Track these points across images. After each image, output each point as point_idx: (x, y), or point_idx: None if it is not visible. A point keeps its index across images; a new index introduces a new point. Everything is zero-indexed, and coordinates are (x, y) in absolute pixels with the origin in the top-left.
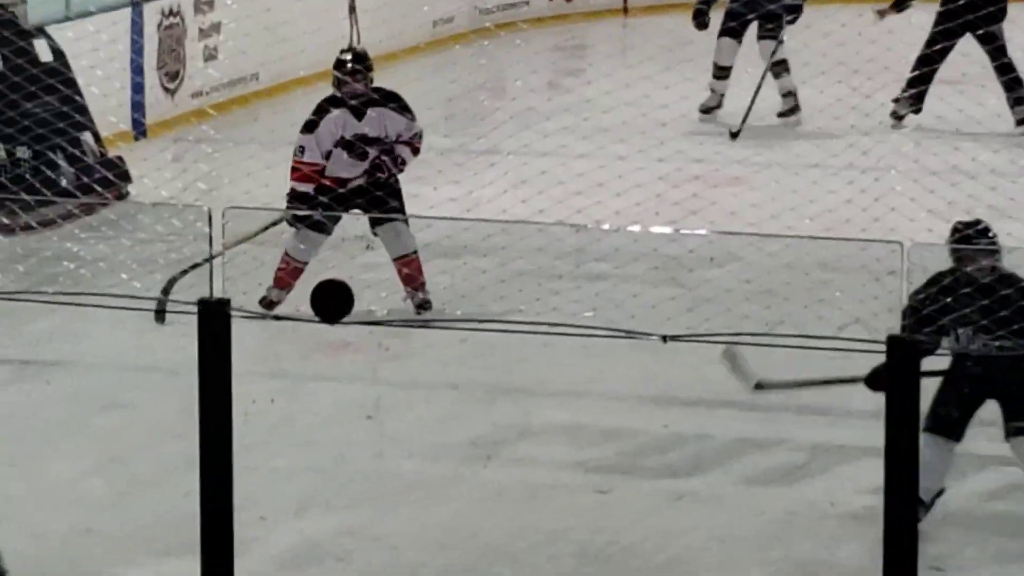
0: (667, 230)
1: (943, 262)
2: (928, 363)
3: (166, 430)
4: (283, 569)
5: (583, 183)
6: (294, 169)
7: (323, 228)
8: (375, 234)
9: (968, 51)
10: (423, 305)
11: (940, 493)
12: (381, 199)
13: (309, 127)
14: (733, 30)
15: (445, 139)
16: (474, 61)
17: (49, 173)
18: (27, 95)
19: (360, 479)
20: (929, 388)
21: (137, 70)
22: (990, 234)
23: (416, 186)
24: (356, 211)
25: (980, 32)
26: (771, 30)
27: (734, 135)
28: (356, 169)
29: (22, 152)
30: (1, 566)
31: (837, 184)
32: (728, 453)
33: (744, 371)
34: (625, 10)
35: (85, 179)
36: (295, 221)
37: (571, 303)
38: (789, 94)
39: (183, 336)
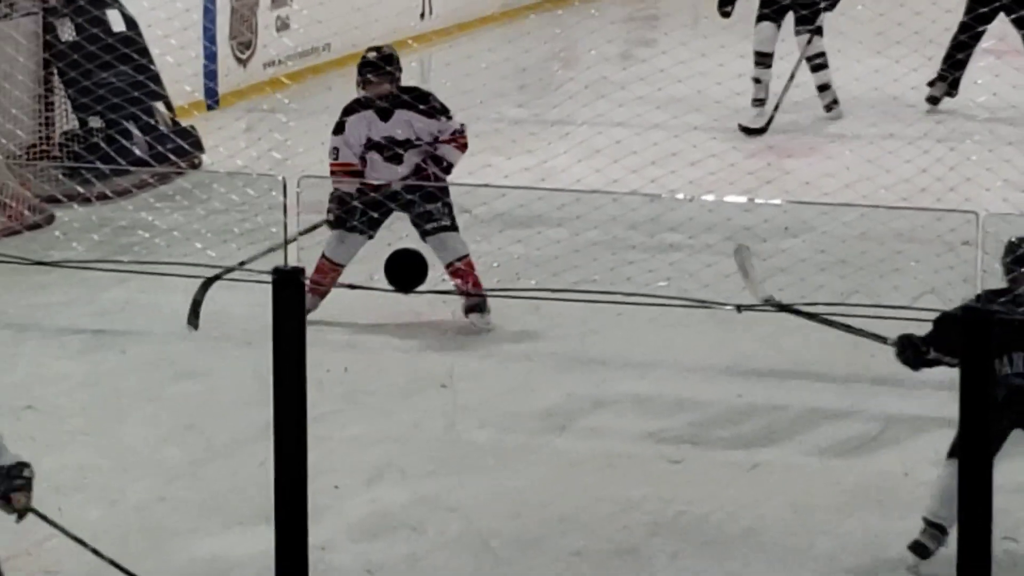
0: (741, 200)
1: (1019, 232)
2: None
3: (240, 399)
4: (356, 538)
5: (657, 153)
6: (332, 173)
7: (364, 231)
8: (424, 241)
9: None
10: (477, 308)
11: None
12: (424, 206)
13: (338, 129)
14: (769, 15)
15: (519, 109)
16: (548, 31)
17: (124, 142)
18: (100, 64)
19: (433, 449)
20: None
21: (210, 39)
22: None
23: (490, 156)
24: (402, 213)
25: (1014, 15)
26: (806, 18)
27: (761, 130)
28: (395, 174)
29: (94, 122)
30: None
31: (912, 154)
32: (801, 423)
33: (753, 277)
34: None
35: (158, 148)
36: (336, 223)
37: (645, 273)
38: (826, 87)
39: (257, 305)
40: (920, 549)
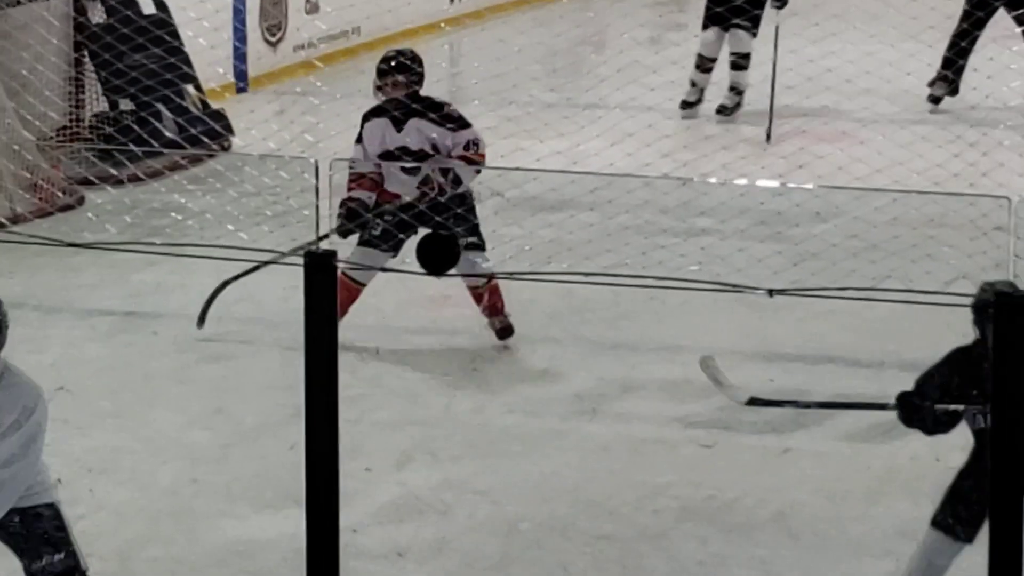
0: (773, 184)
1: None
2: None
3: (270, 382)
4: (385, 521)
5: (689, 137)
6: (350, 180)
7: (381, 245)
8: None
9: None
10: (504, 332)
11: None
12: (448, 224)
13: (357, 139)
14: (715, 20)
15: (550, 93)
16: (579, 15)
17: (156, 123)
18: (131, 47)
19: (462, 432)
20: None
21: (241, 21)
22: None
23: (521, 139)
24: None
25: (1015, 13)
26: (752, 18)
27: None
28: (409, 186)
29: (125, 104)
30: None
31: (944, 139)
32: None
33: (725, 384)
34: None
35: (189, 130)
36: (343, 231)
37: (676, 257)
38: (737, 90)
39: (288, 288)
40: None
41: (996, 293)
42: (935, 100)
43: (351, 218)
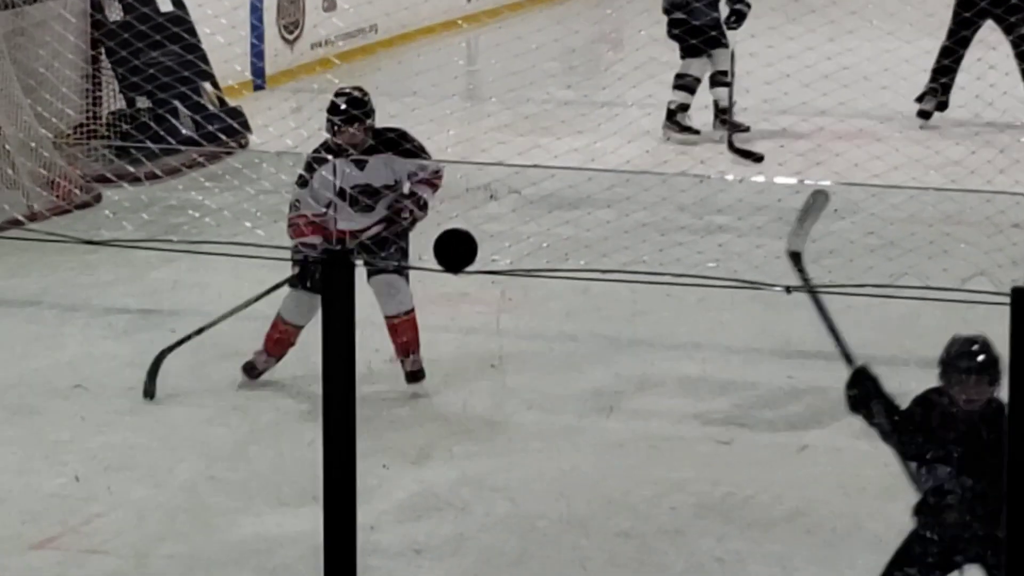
0: (791, 181)
1: None
2: None
3: (287, 379)
4: (403, 518)
5: (707, 134)
6: (291, 227)
7: (313, 289)
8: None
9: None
10: (415, 376)
11: None
12: (383, 242)
13: (300, 182)
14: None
15: (568, 90)
16: (597, 12)
17: (173, 121)
18: (148, 44)
19: (480, 430)
20: None
21: (258, 19)
22: (992, 357)
23: (539, 137)
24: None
25: (1004, 23)
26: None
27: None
28: (367, 219)
29: (142, 102)
30: None
31: (961, 135)
32: None
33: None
34: None
35: (206, 127)
36: (299, 281)
37: (694, 254)
38: (721, 108)
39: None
40: None
41: (1015, 290)
42: (925, 115)
43: (304, 262)
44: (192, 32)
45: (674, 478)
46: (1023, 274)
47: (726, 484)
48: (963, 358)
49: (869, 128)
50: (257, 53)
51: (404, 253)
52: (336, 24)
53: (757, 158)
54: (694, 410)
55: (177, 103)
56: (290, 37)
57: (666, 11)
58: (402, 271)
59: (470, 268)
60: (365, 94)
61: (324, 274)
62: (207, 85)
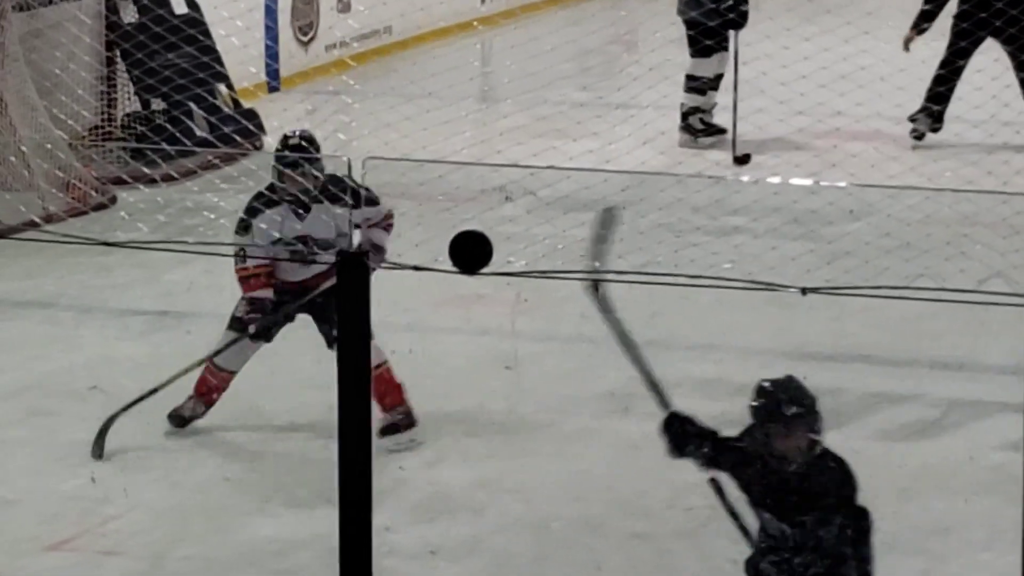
0: (806, 182)
1: None
2: None
3: (303, 381)
4: (418, 520)
5: (722, 135)
6: (241, 280)
7: (266, 337)
8: (331, 347)
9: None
10: (391, 429)
11: None
12: (333, 309)
13: (240, 229)
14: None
15: (583, 92)
16: (611, 13)
17: (189, 123)
18: (163, 46)
19: (494, 431)
20: None
21: (272, 20)
22: (805, 401)
23: (553, 138)
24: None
25: (1004, 36)
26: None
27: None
28: (308, 272)
29: (157, 104)
30: None
31: (978, 136)
32: (864, 406)
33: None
34: None
35: (224, 129)
36: (259, 334)
37: (709, 255)
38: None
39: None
40: None
41: None
42: (918, 136)
43: (261, 312)
44: (207, 34)
45: (689, 480)
46: None
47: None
48: (773, 408)
49: (885, 128)
50: (271, 55)
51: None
52: (351, 26)
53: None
54: (710, 411)
55: (192, 105)
56: (304, 39)
57: (680, 12)
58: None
59: (485, 269)
60: (313, 140)
61: (342, 289)
62: (222, 87)
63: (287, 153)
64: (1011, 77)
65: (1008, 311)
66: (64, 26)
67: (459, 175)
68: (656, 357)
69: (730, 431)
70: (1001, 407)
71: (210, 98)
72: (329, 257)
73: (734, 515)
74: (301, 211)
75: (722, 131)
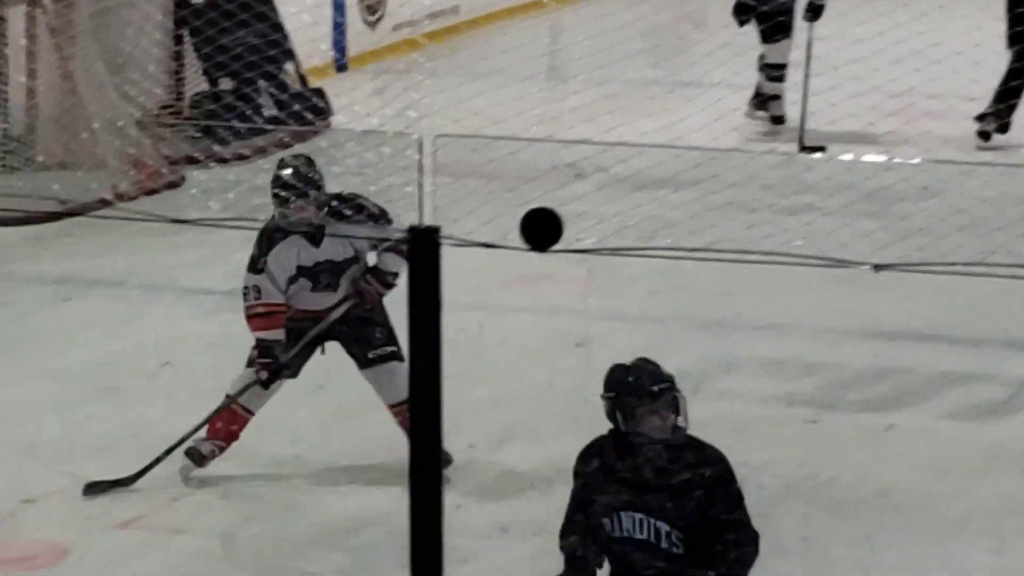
0: (879, 159)
1: None
2: None
3: None
4: (487, 499)
5: (793, 113)
6: (251, 318)
7: (292, 373)
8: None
9: None
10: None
11: None
12: (361, 329)
13: (253, 265)
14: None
15: (653, 69)
16: None
17: (257, 101)
18: (232, 24)
19: (564, 410)
20: None
21: (339, 2)
22: (666, 377)
23: (624, 115)
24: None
25: None
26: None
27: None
28: (328, 300)
29: (225, 83)
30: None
31: None
32: (935, 385)
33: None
34: None
35: (292, 108)
36: (269, 381)
37: (780, 232)
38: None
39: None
40: None
41: None
42: (984, 136)
43: (271, 357)
44: (275, 12)
45: (758, 459)
46: None
47: (810, 465)
48: (637, 387)
49: (958, 105)
50: (340, 34)
51: (392, 332)
52: (419, 4)
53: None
54: (779, 391)
55: (260, 83)
56: (372, 18)
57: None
58: (402, 356)
59: (556, 247)
60: (311, 166)
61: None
62: (290, 66)
63: (280, 191)
64: None
65: None
66: (134, 3)
67: (529, 152)
68: (725, 337)
69: (795, 411)
70: None
71: (278, 77)
72: (347, 281)
73: None
74: (315, 238)
75: (779, 121)
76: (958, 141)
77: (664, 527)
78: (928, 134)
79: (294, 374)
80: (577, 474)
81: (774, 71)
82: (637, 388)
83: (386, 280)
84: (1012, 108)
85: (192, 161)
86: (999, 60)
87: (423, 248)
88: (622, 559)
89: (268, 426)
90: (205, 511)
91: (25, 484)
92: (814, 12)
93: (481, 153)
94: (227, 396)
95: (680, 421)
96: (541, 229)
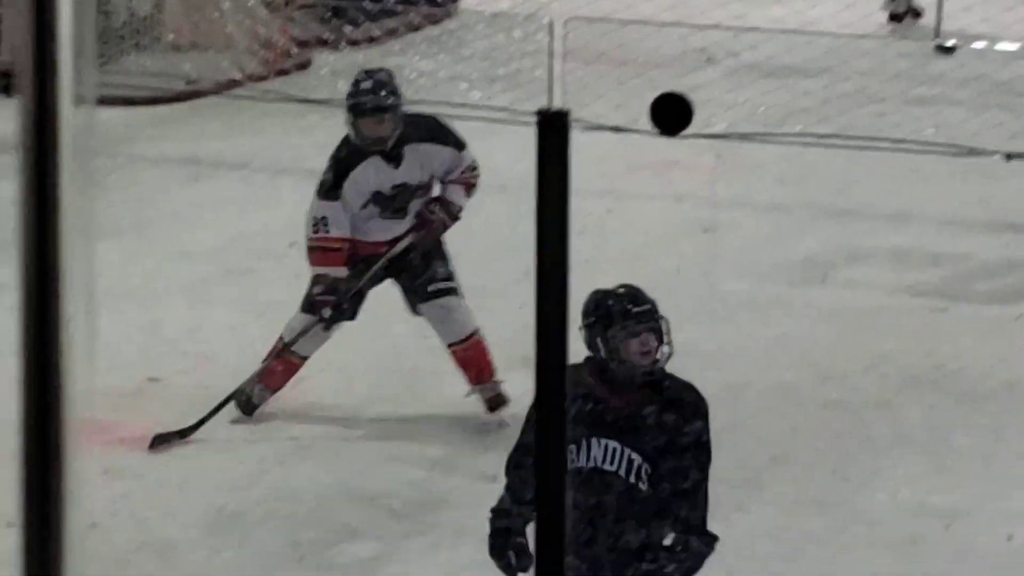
0: (1012, 47)
1: None
2: None
3: (497, 245)
4: None
5: (925, 2)
6: (314, 251)
7: (349, 315)
8: (417, 312)
9: None
10: (495, 402)
11: None
12: (422, 263)
13: (328, 191)
14: None
15: None
16: None
17: None
18: None
19: (690, 296)
20: None
21: None
22: (648, 300)
23: (754, 2)
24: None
25: None
26: None
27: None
28: (395, 230)
29: None
30: None
31: None
32: None
33: None
34: None
35: None
36: (332, 320)
37: (910, 121)
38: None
39: (515, 149)
40: None
41: None
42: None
43: (334, 291)
44: None
45: (883, 349)
46: None
47: (936, 355)
48: (618, 308)
49: None
50: None
51: (451, 271)
52: None
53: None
54: (905, 281)
55: None
56: None
57: None
58: (460, 293)
59: (685, 132)
60: (392, 78)
61: (542, 150)
62: None
63: (360, 100)
64: None
65: None
66: None
67: (659, 37)
68: (851, 225)
69: (923, 301)
70: None
71: None
72: (414, 208)
73: None
74: (394, 158)
75: (916, 15)
76: None
77: (637, 459)
78: None
79: (352, 315)
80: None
81: None
82: (619, 312)
83: (451, 211)
84: None
85: (321, 42)
86: None
87: (552, 133)
88: (584, 495)
89: (396, 306)
90: (329, 393)
91: (151, 363)
92: None
93: (611, 37)
94: (281, 340)
95: (664, 350)
96: (671, 114)
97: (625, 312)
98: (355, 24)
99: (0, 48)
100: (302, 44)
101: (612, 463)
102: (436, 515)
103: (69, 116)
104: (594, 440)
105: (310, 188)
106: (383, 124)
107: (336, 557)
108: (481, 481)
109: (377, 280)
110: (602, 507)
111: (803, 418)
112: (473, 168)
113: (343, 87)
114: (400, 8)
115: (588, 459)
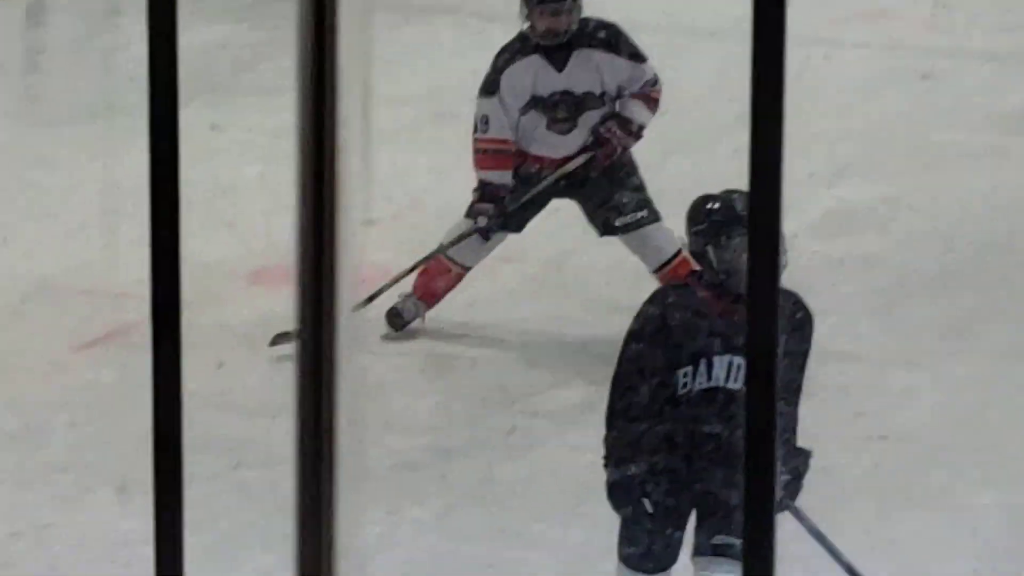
0: None
1: None
2: None
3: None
4: (820, 234)
5: None
6: (478, 152)
7: (516, 226)
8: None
9: None
10: None
11: None
12: (604, 190)
13: (488, 87)
14: None
15: None
16: None
17: None
18: None
19: (901, 147)
20: None
21: None
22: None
23: None
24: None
25: None
26: None
27: None
28: (567, 145)
29: None
30: None
31: None
32: None
33: None
34: None
35: None
36: (488, 229)
37: None
38: None
39: None
40: None
41: None
42: None
43: (497, 198)
44: None
45: None
46: None
47: None
48: (733, 215)
49: None
50: None
51: (641, 196)
52: None
53: None
54: None
55: None
56: None
57: None
58: (657, 217)
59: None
60: None
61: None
62: None
63: None
64: None
65: None
66: None
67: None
68: None
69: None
70: None
71: None
72: (585, 126)
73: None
74: (558, 60)
75: None
76: None
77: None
78: None
79: (519, 227)
80: (637, 335)
81: None
82: (734, 219)
83: (630, 129)
84: None
85: None
86: None
87: None
88: (698, 423)
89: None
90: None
91: (363, 206)
92: None
93: None
94: (440, 244)
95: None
96: None
97: (740, 219)
98: None
99: None
100: None
101: (737, 381)
102: None
103: None
104: (716, 358)
105: None
106: (559, 18)
107: (544, 404)
108: None
109: (547, 196)
110: (732, 425)
111: (1016, 269)
112: (654, 83)
113: None
114: None
115: (709, 379)
